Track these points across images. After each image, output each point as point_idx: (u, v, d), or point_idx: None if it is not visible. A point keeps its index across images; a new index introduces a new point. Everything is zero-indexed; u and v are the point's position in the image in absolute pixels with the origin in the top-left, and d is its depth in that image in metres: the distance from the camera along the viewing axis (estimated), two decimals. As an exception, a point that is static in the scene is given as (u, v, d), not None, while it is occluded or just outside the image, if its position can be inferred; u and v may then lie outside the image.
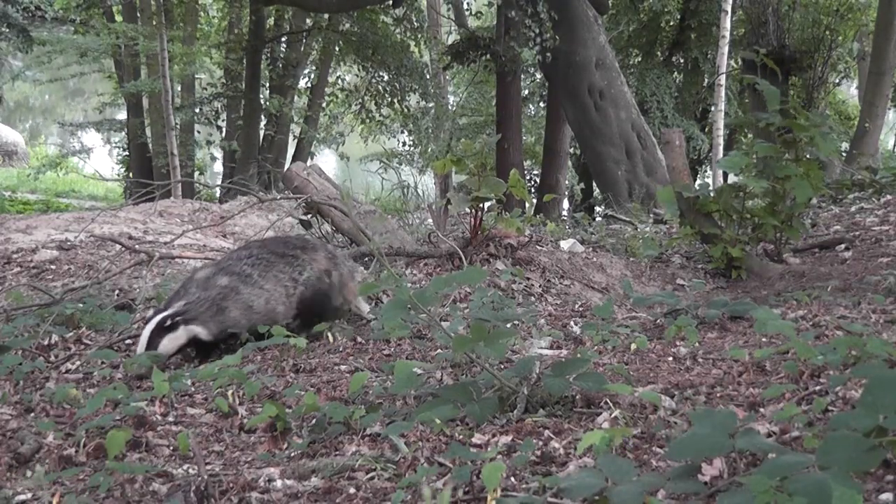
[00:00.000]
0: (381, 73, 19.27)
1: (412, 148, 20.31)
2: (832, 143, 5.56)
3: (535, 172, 20.94)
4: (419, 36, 19.74)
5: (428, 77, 19.27)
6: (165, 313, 3.98)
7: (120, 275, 5.87)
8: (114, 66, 21.11)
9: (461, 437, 2.59)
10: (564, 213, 16.63)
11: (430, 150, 18.60)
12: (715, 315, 4.02)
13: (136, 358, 3.78)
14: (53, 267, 7.21)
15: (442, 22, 22.45)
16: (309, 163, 13.59)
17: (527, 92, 21.65)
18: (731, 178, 11.20)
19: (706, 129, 17.64)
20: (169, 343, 3.93)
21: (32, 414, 3.33)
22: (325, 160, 25.66)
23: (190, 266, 6.82)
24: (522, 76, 18.36)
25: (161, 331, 3.91)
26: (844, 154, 14.29)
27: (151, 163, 18.71)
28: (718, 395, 2.86)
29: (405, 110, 19.53)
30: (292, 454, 2.74)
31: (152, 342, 3.88)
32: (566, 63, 12.84)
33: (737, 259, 5.25)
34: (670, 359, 3.44)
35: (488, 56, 15.98)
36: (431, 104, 19.45)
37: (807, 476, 1.69)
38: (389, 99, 19.21)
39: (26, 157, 25.96)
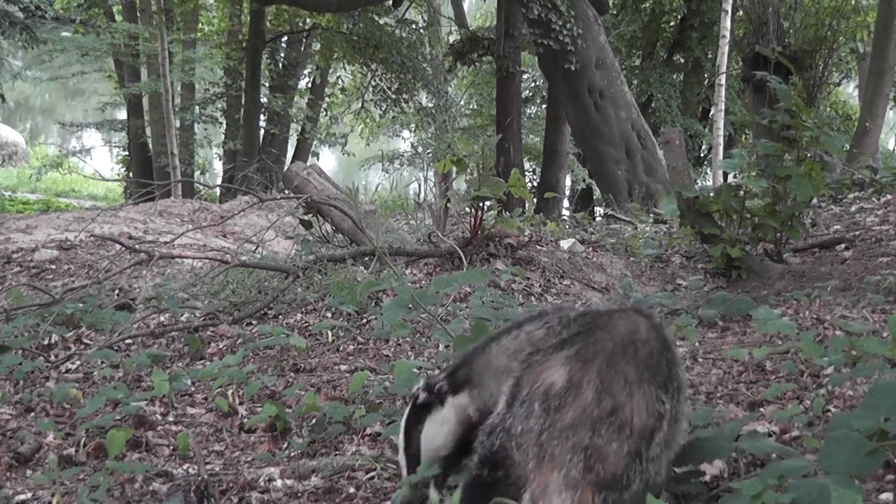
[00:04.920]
0: (384, 72, 19.24)
1: (423, 148, 20.32)
2: (838, 143, 5.55)
3: (532, 170, 20.99)
4: (423, 34, 19.77)
5: (430, 73, 19.26)
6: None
7: (120, 275, 5.87)
8: (114, 66, 21.12)
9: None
10: (565, 212, 16.63)
11: (437, 147, 18.57)
12: (713, 315, 4.02)
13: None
14: (53, 267, 7.21)
15: (443, 22, 22.48)
16: (310, 162, 13.63)
17: (527, 92, 21.68)
18: (731, 178, 11.20)
19: (707, 129, 17.67)
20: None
21: (32, 414, 3.33)
22: (325, 160, 25.68)
23: (189, 266, 6.83)
24: (523, 76, 18.36)
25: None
26: (845, 153, 14.27)
27: (151, 163, 18.72)
28: (718, 395, 2.86)
29: (418, 104, 19.53)
30: (292, 454, 2.75)
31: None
32: (566, 63, 12.84)
33: (736, 259, 5.24)
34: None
35: (490, 56, 16.00)
36: (443, 100, 19.43)
37: (807, 481, 1.69)
38: (394, 98, 19.21)
39: (26, 157, 25.97)
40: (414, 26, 19.91)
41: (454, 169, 5.40)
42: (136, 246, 5.98)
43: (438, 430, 2.13)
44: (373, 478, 2.41)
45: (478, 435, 1.89)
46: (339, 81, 22.62)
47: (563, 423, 1.75)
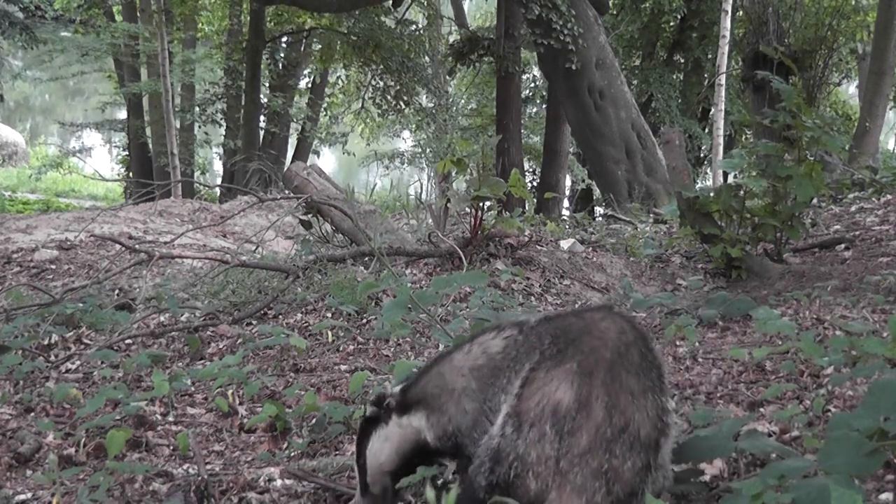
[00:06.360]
0: (384, 73, 19.24)
1: (423, 148, 20.33)
2: (839, 143, 5.55)
3: (533, 169, 21.00)
4: (423, 34, 19.79)
5: (430, 73, 19.27)
6: None
7: (120, 275, 5.87)
8: (114, 66, 21.14)
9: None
10: (565, 212, 16.64)
11: (437, 147, 18.57)
12: (713, 315, 4.02)
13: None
14: (53, 267, 7.21)
15: (442, 21, 22.49)
16: (310, 162, 13.62)
17: (527, 92, 21.68)
18: (731, 178, 11.19)
19: (706, 129, 17.67)
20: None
21: (32, 414, 3.33)
22: (325, 160, 25.69)
23: (189, 266, 6.83)
24: (523, 76, 18.36)
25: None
26: (846, 153, 14.24)
27: (151, 163, 18.74)
28: (718, 395, 2.86)
29: (418, 105, 19.55)
30: (292, 454, 2.75)
31: None
32: (566, 62, 12.85)
33: (737, 259, 5.24)
34: (670, 359, 3.44)
35: (490, 56, 16.00)
36: (443, 100, 19.45)
37: (807, 481, 1.69)
38: (394, 102, 19.21)
39: (26, 157, 25.97)
40: (414, 27, 19.91)
41: (454, 169, 5.40)
42: (136, 246, 5.98)
43: (382, 446, 2.11)
44: (373, 478, 2.40)
45: (480, 458, 1.83)
46: (339, 81, 22.63)
47: (579, 447, 1.72)
